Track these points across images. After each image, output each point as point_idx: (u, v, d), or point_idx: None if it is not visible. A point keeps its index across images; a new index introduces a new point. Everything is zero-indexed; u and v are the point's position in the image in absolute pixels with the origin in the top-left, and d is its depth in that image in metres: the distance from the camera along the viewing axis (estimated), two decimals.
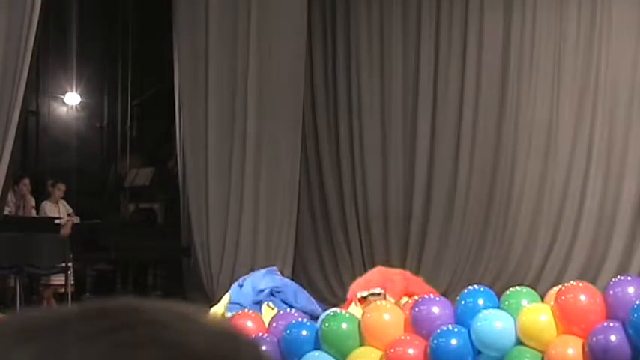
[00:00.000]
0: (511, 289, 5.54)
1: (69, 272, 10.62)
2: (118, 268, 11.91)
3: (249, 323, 5.76)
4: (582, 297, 5.06)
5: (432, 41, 11.97)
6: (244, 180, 11.81)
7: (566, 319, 5.01)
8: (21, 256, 10.27)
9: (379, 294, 7.03)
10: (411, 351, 5.24)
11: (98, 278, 12.37)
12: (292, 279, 12.03)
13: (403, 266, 11.93)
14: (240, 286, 8.17)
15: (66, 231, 11.64)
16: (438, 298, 5.54)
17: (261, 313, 7.18)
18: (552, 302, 5.12)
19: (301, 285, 12.22)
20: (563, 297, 5.07)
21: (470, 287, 5.54)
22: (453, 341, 5.14)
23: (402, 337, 5.35)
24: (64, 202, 12.04)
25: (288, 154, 11.99)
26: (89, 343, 0.67)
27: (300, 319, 5.72)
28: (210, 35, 11.87)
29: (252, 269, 11.77)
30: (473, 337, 5.16)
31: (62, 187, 12.00)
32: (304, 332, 5.53)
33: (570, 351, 4.96)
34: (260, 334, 5.63)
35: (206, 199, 11.87)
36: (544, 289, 5.95)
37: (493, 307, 5.26)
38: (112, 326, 0.69)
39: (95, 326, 0.69)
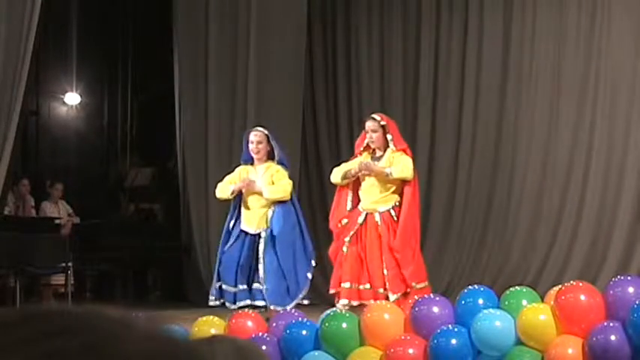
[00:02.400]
0: (511, 289, 5.54)
1: (69, 272, 10.63)
2: (118, 268, 11.91)
3: (249, 323, 5.77)
4: (582, 297, 5.06)
5: (432, 41, 11.97)
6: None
7: (566, 319, 5.02)
8: (21, 256, 10.27)
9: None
10: (411, 351, 5.24)
11: (98, 278, 12.37)
12: None
13: None
14: None
15: (66, 231, 11.65)
16: (438, 298, 5.54)
17: None
18: (552, 302, 5.12)
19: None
20: (563, 297, 5.08)
21: (470, 287, 5.54)
22: (453, 341, 5.15)
23: (402, 337, 5.36)
24: (63, 202, 12.04)
25: (288, 153, 11.98)
26: (22, 348, 0.66)
27: (300, 319, 5.72)
28: (210, 35, 11.88)
29: None
30: (473, 337, 5.16)
31: (60, 186, 12.00)
32: (304, 332, 5.53)
33: (570, 351, 4.97)
34: (260, 333, 5.63)
35: (206, 199, 11.87)
36: (544, 289, 5.95)
37: (493, 307, 5.26)
38: (51, 331, 0.67)
39: (34, 330, 0.67)
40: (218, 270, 8.35)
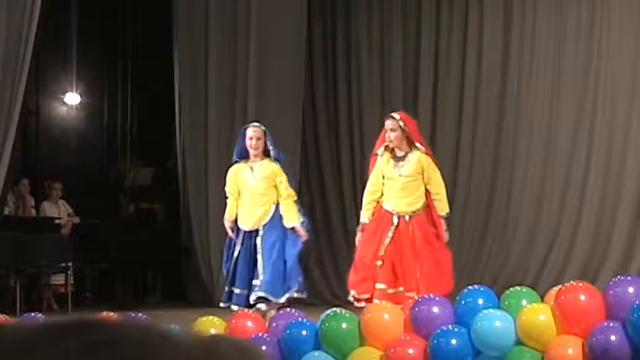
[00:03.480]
0: (511, 289, 5.54)
1: (69, 272, 10.63)
2: (118, 268, 11.91)
3: (249, 323, 5.77)
4: (582, 297, 5.06)
5: (432, 41, 11.98)
6: None
7: (566, 319, 5.01)
8: (21, 256, 10.28)
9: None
10: (411, 351, 5.24)
11: (98, 278, 12.37)
12: None
13: None
14: None
15: (66, 231, 11.65)
16: (437, 298, 5.54)
17: None
18: (552, 302, 5.12)
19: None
20: (563, 297, 5.07)
21: (470, 287, 5.54)
22: (453, 341, 5.14)
23: (402, 337, 5.36)
24: (63, 201, 12.04)
25: (288, 153, 11.95)
26: (72, 358, 0.66)
27: (300, 319, 5.72)
28: (210, 35, 11.88)
29: None
30: (473, 337, 5.16)
31: (58, 186, 12.00)
32: (304, 332, 5.53)
33: (570, 351, 4.96)
34: (260, 334, 5.64)
35: (206, 199, 11.87)
36: (544, 289, 5.94)
37: (493, 307, 5.26)
38: (100, 341, 0.68)
39: (83, 340, 0.68)
40: (231, 275, 8.13)
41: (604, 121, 10.88)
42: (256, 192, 8.11)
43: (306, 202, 12.41)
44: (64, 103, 13.73)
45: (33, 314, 6.82)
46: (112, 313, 6.14)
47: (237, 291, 8.04)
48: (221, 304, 8.16)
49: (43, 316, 6.64)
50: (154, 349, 0.68)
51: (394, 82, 12.17)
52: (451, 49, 11.85)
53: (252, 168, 8.20)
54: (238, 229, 8.16)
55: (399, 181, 7.83)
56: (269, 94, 11.82)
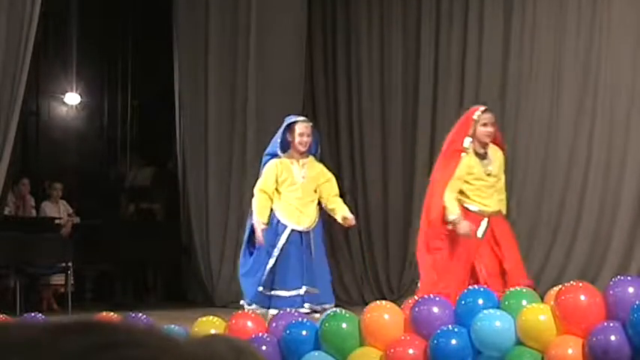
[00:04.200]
0: (511, 289, 5.54)
1: (69, 272, 10.63)
2: (118, 268, 11.90)
3: (249, 323, 5.76)
4: (582, 297, 5.06)
5: (432, 41, 11.98)
6: (244, 180, 11.81)
7: (566, 319, 5.01)
8: (21, 256, 10.28)
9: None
10: (411, 351, 5.24)
11: (98, 278, 12.37)
12: None
13: (403, 266, 11.97)
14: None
15: (66, 231, 11.65)
16: (438, 298, 5.54)
17: None
18: (552, 302, 5.12)
19: None
20: (563, 297, 5.07)
21: (470, 287, 5.54)
22: (453, 341, 5.14)
23: (402, 337, 5.35)
24: (64, 201, 12.04)
25: None
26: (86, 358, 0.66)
27: (300, 319, 5.72)
28: (210, 35, 11.88)
29: None
30: (473, 337, 5.16)
31: (58, 186, 12.00)
32: (304, 332, 5.53)
33: (570, 351, 4.97)
34: (260, 334, 5.63)
35: (206, 199, 11.88)
36: (544, 289, 5.95)
37: (493, 307, 5.26)
38: (106, 343, 0.68)
39: (89, 342, 0.68)
40: (267, 273, 7.54)
41: (604, 121, 10.88)
42: (308, 190, 7.70)
43: None
44: (64, 103, 13.73)
45: (33, 314, 6.82)
46: (112, 313, 6.14)
47: (282, 293, 7.48)
48: (248, 306, 7.50)
49: (43, 316, 6.64)
50: (156, 351, 0.69)
51: (394, 80, 12.17)
52: (451, 49, 11.85)
53: (299, 164, 7.74)
54: (276, 227, 7.62)
55: (489, 181, 7.32)
56: (269, 93, 11.82)
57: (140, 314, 6.01)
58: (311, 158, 7.80)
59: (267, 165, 7.83)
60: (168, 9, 12.28)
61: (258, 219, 7.61)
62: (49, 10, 10.31)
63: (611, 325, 4.91)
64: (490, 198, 7.28)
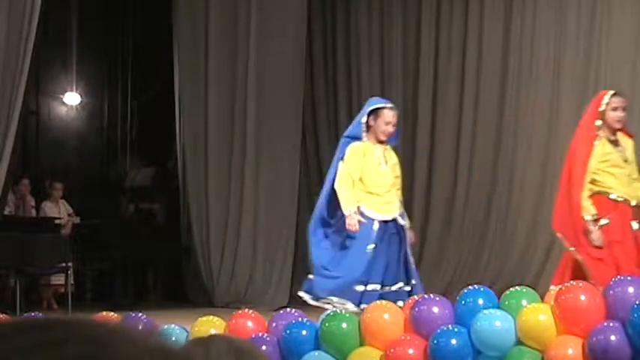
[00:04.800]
0: (511, 289, 5.54)
1: (69, 272, 10.63)
2: (118, 268, 11.91)
3: (249, 323, 5.76)
4: (582, 297, 5.06)
5: (432, 41, 11.98)
6: (244, 180, 11.82)
7: (566, 319, 5.01)
8: (21, 256, 10.28)
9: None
10: (411, 351, 5.24)
11: (98, 278, 12.37)
12: (292, 279, 12.07)
13: None
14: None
15: (66, 231, 11.65)
16: (438, 298, 5.54)
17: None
18: (552, 302, 5.12)
19: (301, 284, 12.25)
20: (563, 297, 5.07)
21: (470, 287, 5.54)
22: (453, 341, 5.14)
23: (402, 337, 5.35)
24: (64, 201, 12.05)
25: (288, 153, 12.00)
26: (18, 358, 0.65)
27: (300, 319, 5.72)
28: (210, 35, 11.88)
29: (252, 269, 11.82)
30: (473, 337, 5.16)
31: (59, 185, 12.00)
32: (304, 332, 5.53)
33: (570, 351, 4.96)
34: (260, 334, 5.63)
35: (206, 199, 11.88)
36: (544, 289, 5.94)
37: (493, 307, 5.26)
38: (48, 341, 0.67)
39: (31, 340, 0.67)
40: (368, 271, 6.93)
41: None
42: (391, 178, 7.16)
43: (306, 202, 12.42)
44: (64, 103, 13.74)
45: (33, 314, 6.83)
46: (112, 313, 6.14)
47: (374, 288, 6.90)
48: (315, 301, 7.08)
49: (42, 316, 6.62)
50: (106, 348, 0.67)
51: (394, 82, 12.17)
52: (451, 50, 11.85)
53: (381, 150, 7.18)
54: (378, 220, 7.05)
55: (626, 169, 6.78)
56: (269, 94, 11.82)
57: (140, 314, 6.01)
58: (389, 147, 7.26)
59: (350, 148, 7.15)
60: (168, 9, 12.28)
61: (349, 207, 6.93)
62: (49, 10, 10.30)
63: (611, 325, 4.91)
64: (629, 187, 6.77)
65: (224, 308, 10.47)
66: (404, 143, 12.08)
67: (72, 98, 13.70)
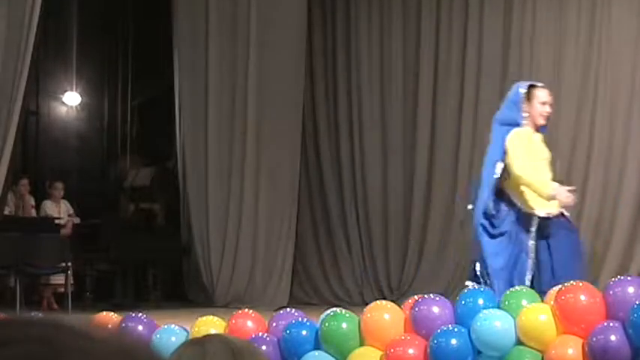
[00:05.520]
0: (511, 289, 5.53)
1: (69, 272, 10.63)
2: (118, 268, 11.90)
3: (249, 323, 5.76)
4: (582, 297, 5.06)
5: (432, 41, 11.98)
6: (244, 180, 11.82)
7: (566, 319, 5.01)
8: (21, 256, 10.28)
9: None
10: (411, 351, 5.24)
11: (98, 278, 12.36)
12: (292, 278, 12.08)
13: (403, 266, 11.97)
14: None
15: (66, 231, 11.64)
16: (438, 298, 5.54)
17: None
18: (552, 302, 5.12)
19: (302, 284, 12.27)
20: (563, 297, 5.07)
21: (470, 287, 5.54)
22: (453, 341, 5.14)
23: (402, 337, 5.35)
24: (65, 201, 12.04)
25: (288, 154, 12.00)
26: None
27: (300, 319, 5.72)
28: (210, 35, 11.88)
29: (252, 269, 11.82)
30: (473, 337, 5.16)
31: (59, 185, 12.00)
32: (304, 332, 5.53)
33: (570, 351, 4.97)
34: (260, 334, 5.63)
35: (206, 199, 11.88)
36: None
37: (493, 307, 5.26)
38: (2, 339, 0.66)
39: None
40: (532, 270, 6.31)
41: (604, 121, 10.88)
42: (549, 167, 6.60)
43: (306, 202, 12.43)
44: (64, 103, 13.73)
45: (33, 314, 6.81)
46: (112, 313, 6.14)
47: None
48: None
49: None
50: (61, 352, 0.66)
51: (394, 82, 12.17)
52: (451, 49, 11.85)
53: (539, 137, 6.58)
54: (520, 214, 6.41)
55: None
56: (269, 94, 11.82)
57: (140, 314, 6.01)
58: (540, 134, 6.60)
59: (513, 135, 6.45)
60: (168, 9, 12.28)
61: (550, 184, 6.35)
62: (49, 10, 10.30)
63: (611, 325, 4.91)
64: None
65: (224, 308, 10.47)
66: (404, 143, 12.10)
67: (72, 98, 13.69)
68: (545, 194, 6.30)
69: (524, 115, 6.47)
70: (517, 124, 6.47)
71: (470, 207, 6.76)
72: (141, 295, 12.22)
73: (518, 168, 6.36)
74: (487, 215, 6.54)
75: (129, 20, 13.89)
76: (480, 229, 6.61)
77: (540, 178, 6.37)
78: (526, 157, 6.37)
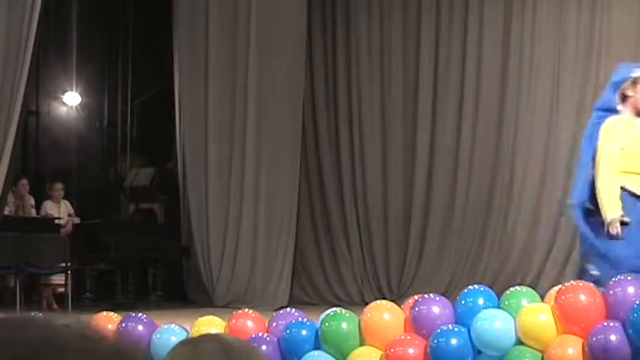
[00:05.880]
0: (511, 289, 5.53)
1: (69, 272, 10.63)
2: (118, 268, 11.90)
3: (249, 323, 5.76)
4: (582, 297, 5.05)
5: (432, 41, 11.98)
6: (244, 180, 11.82)
7: (566, 319, 5.01)
8: (21, 256, 10.28)
9: None
10: (411, 351, 5.24)
11: (98, 278, 12.36)
12: (292, 278, 12.08)
13: (403, 266, 11.97)
14: None
15: (66, 231, 11.64)
16: (438, 298, 5.54)
17: None
18: (552, 302, 5.12)
19: (301, 284, 12.27)
20: (563, 297, 5.07)
21: (470, 287, 5.53)
22: (453, 341, 5.14)
23: (402, 337, 5.35)
24: (65, 201, 12.04)
25: (288, 154, 12.00)
26: None
27: (300, 319, 5.71)
28: (211, 35, 11.88)
29: (252, 269, 11.81)
30: (473, 337, 5.16)
31: (59, 186, 12.00)
32: (304, 332, 5.52)
33: (570, 351, 4.96)
34: (260, 333, 5.63)
35: (206, 200, 11.88)
36: (544, 289, 5.94)
37: (493, 307, 5.26)
38: (3, 340, 0.66)
39: None
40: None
41: None
42: None
43: (306, 202, 12.43)
44: (64, 103, 13.73)
45: (33, 314, 6.81)
46: (112, 313, 6.14)
47: None
48: None
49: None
50: (57, 349, 0.66)
51: (394, 82, 12.17)
52: (451, 49, 11.86)
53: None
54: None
55: None
56: (269, 94, 11.82)
57: (140, 314, 6.01)
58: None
59: (607, 125, 6.17)
60: (168, 9, 12.28)
61: (614, 211, 5.85)
62: (49, 10, 10.31)
63: (611, 325, 4.91)
64: None
65: (224, 308, 10.47)
66: (404, 142, 12.10)
67: (72, 98, 13.69)
68: (604, 213, 5.91)
69: (630, 94, 6.07)
70: (612, 111, 6.12)
71: (569, 202, 6.31)
72: (141, 295, 12.21)
73: (599, 173, 6.01)
74: (589, 210, 6.07)
75: (129, 20, 13.89)
76: (588, 228, 6.11)
77: (610, 197, 5.90)
78: (610, 155, 5.95)
